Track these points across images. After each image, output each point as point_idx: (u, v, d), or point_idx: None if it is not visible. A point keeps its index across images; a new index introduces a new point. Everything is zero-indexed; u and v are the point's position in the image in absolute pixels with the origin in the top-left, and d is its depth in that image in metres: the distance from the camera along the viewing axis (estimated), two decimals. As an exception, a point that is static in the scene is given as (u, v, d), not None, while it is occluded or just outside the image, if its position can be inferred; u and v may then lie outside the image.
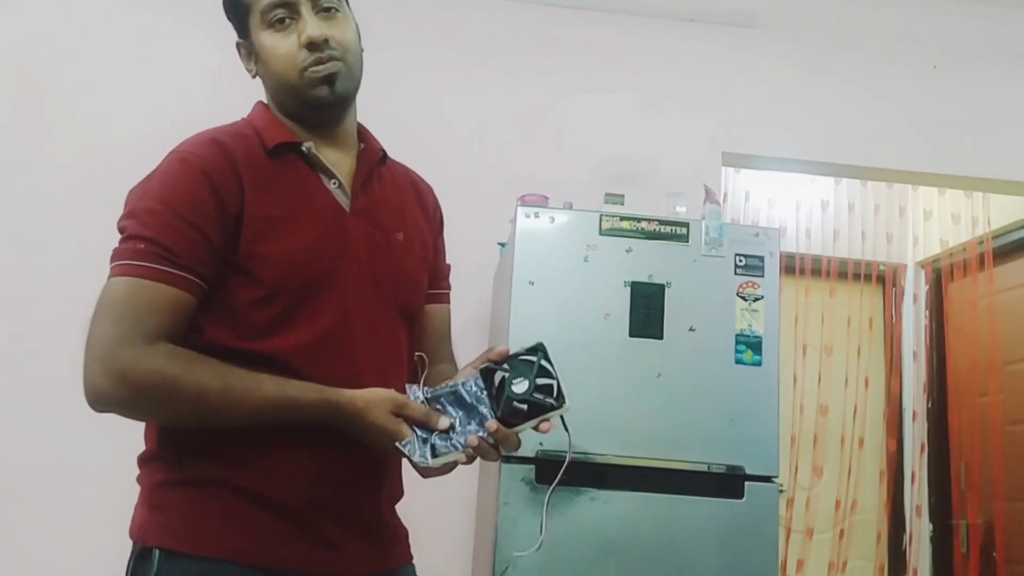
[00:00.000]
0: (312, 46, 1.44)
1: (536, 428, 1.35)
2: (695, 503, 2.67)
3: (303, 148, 1.47)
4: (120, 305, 1.30)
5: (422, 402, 1.36)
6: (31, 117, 3.44)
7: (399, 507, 1.58)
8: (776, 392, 2.79)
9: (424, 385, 1.40)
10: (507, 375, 1.36)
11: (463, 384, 1.38)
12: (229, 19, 1.55)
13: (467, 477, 3.27)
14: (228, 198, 1.37)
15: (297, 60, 1.45)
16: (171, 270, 1.32)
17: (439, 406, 1.36)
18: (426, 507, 3.12)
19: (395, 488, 1.55)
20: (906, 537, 4.81)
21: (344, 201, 1.48)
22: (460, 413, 1.36)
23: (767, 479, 2.71)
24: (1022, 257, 4.42)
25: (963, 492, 4.54)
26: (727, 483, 2.69)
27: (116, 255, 1.34)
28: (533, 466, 2.61)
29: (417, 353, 1.52)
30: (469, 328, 3.27)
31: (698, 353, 2.75)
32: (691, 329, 2.76)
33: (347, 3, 1.56)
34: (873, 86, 3.86)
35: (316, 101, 1.47)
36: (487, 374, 1.38)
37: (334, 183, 1.49)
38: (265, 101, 1.57)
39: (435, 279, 1.67)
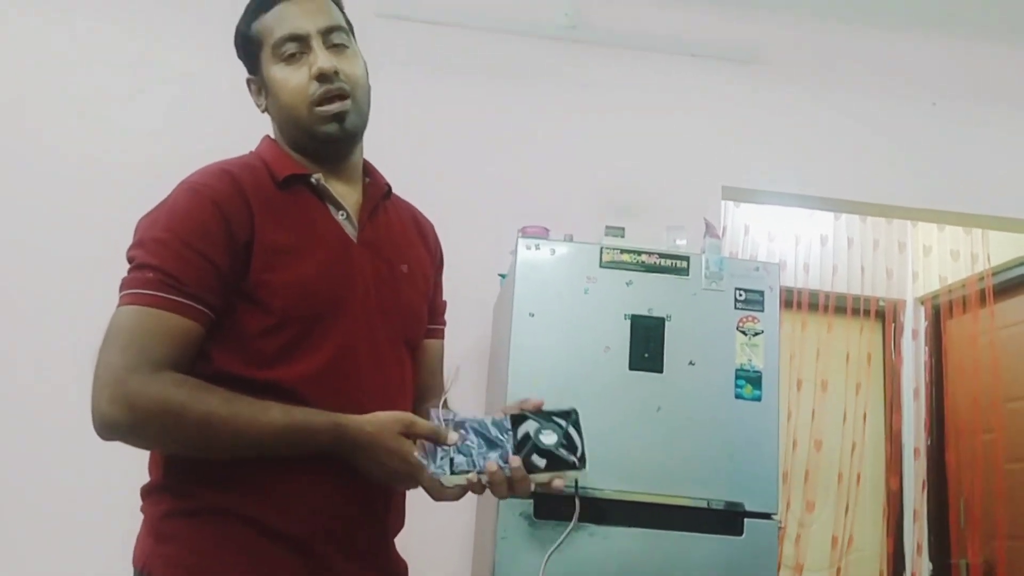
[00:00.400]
0: (322, 78, 1.46)
1: (549, 483, 1.37)
2: (695, 539, 2.64)
3: (312, 180, 1.49)
4: (127, 334, 1.30)
5: (445, 423, 1.37)
6: (25, 140, 3.44)
7: (397, 540, 1.56)
8: (776, 428, 2.77)
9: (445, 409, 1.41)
10: (537, 426, 1.38)
11: (491, 420, 1.39)
12: (239, 56, 1.57)
13: (465, 510, 3.25)
14: (238, 227, 1.37)
15: (308, 92, 1.47)
16: (179, 299, 1.32)
17: (462, 431, 1.37)
18: (424, 541, 3.10)
19: (398, 520, 1.55)
20: None
21: (351, 232, 1.50)
22: (481, 442, 1.37)
23: (767, 516, 2.68)
24: (1021, 294, 4.42)
25: (963, 530, 4.51)
26: (726, 520, 2.66)
27: (125, 284, 1.35)
28: (532, 501, 2.59)
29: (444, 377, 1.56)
30: (469, 359, 3.26)
31: (698, 387, 2.74)
32: (691, 363, 2.75)
33: (355, 41, 1.57)
34: (872, 122, 3.88)
35: (325, 136, 1.48)
36: (516, 421, 1.39)
37: (342, 214, 1.50)
38: (272, 136, 1.57)
39: (433, 314, 1.69)
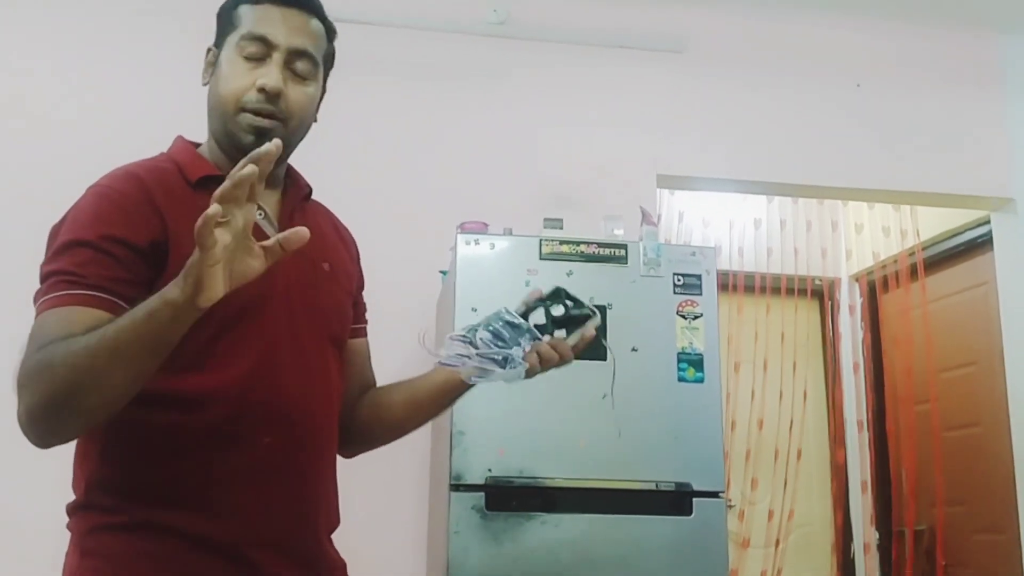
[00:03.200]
0: (262, 92, 1.44)
1: (577, 344, 1.51)
2: (645, 522, 2.69)
3: None
4: (31, 338, 1.28)
5: (472, 329, 1.45)
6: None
7: (343, 540, 1.57)
8: (720, 408, 2.83)
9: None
10: (541, 307, 1.51)
11: (503, 312, 1.48)
12: (217, 25, 1.54)
13: (417, 506, 3.26)
14: (141, 226, 1.35)
15: (243, 96, 1.44)
16: (77, 291, 1.29)
17: (490, 330, 1.45)
18: (377, 538, 3.13)
19: (332, 518, 1.54)
20: (853, 546, 4.88)
21: (271, 231, 1.47)
22: (510, 333, 1.46)
23: (714, 494, 2.74)
24: (952, 267, 4.55)
25: (904, 499, 4.63)
26: (675, 500, 2.72)
27: (35, 298, 1.33)
28: (483, 493, 2.62)
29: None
30: (414, 356, 3.25)
31: (641, 373, 2.78)
32: (633, 349, 2.79)
33: (326, 73, 1.57)
34: (799, 106, 3.96)
35: (239, 144, 1.44)
36: (527, 314, 1.50)
37: (260, 214, 1.47)
38: (187, 138, 1.56)
39: (356, 314, 1.68)
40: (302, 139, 1.54)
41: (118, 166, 1.46)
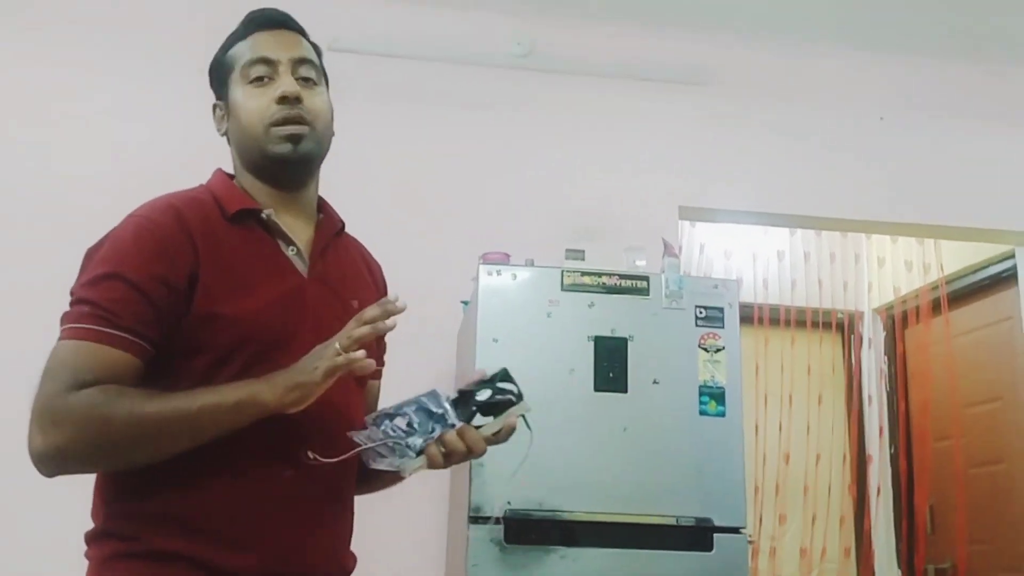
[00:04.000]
0: (284, 100, 1.48)
1: (500, 431, 1.42)
2: (665, 557, 2.66)
3: (263, 215, 1.49)
4: (59, 365, 1.31)
5: (385, 415, 1.39)
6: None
7: (365, 571, 1.57)
8: (741, 442, 2.80)
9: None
10: (471, 391, 1.43)
11: (425, 396, 1.41)
12: (211, 84, 1.59)
13: (435, 539, 3.24)
14: (179, 262, 1.38)
15: (267, 114, 1.48)
16: (110, 331, 1.32)
17: (410, 411, 1.39)
18: (395, 571, 3.10)
19: (346, 560, 1.54)
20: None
21: (302, 267, 1.50)
22: (424, 419, 1.39)
23: (735, 530, 2.71)
24: (976, 301, 4.51)
25: (930, 536, 4.56)
26: (696, 536, 2.69)
27: (63, 319, 1.36)
28: (502, 526, 2.60)
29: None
30: (436, 387, 3.25)
31: (662, 406, 2.77)
32: (655, 382, 2.77)
33: (327, 84, 1.60)
34: (822, 138, 3.95)
35: (278, 157, 1.49)
36: (462, 397, 1.43)
37: (292, 249, 1.50)
38: (226, 170, 1.59)
39: (376, 356, 1.69)
40: (328, 149, 1.58)
41: (158, 196, 1.48)
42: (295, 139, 1.48)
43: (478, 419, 1.41)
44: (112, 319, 1.33)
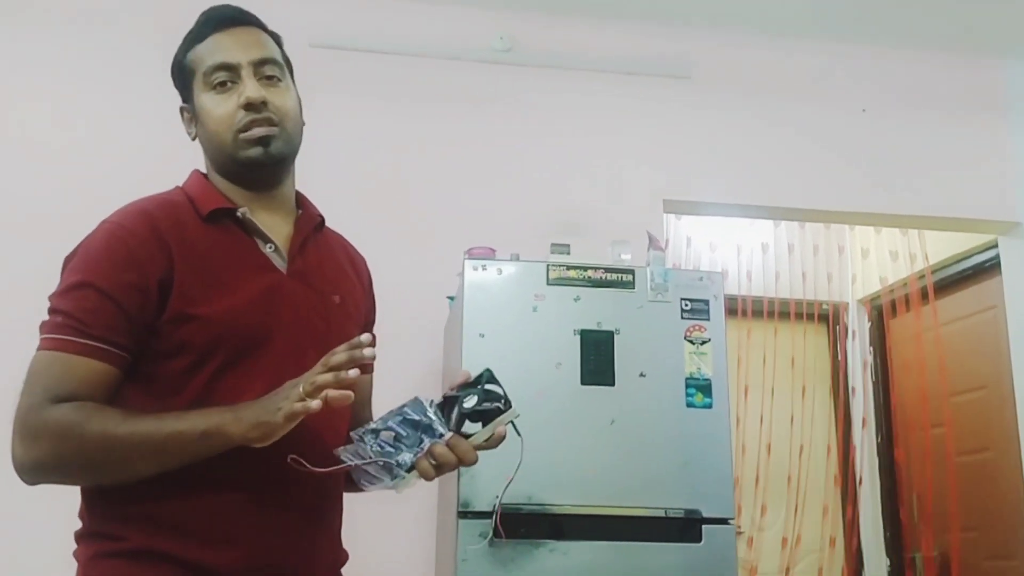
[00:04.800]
0: (249, 107, 1.47)
1: (490, 439, 1.40)
2: (654, 549, 2.67)
3: (238, 213, 1.49)
4: (36, 376, 1.34)
5: (371, 431, 1.37)
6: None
7: (351, 570, 1.57)
8: (728, 433, 2.82)
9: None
10: (457, 397, 1.41)
11: (408, 406, 1.39)
12: (176, 85, 1.58)
13: (425, 533, 3.24)
14: (151, 267, 1.38)
15: (234, 121, 1.48)
16: (85, 341, 1.34)
17: (396, 423, 1.37)
18: (385, 566, 3.10)
19: (337, 553, 1.54)
20: (865, 573, 4.84)
21: (280, 264, 1.50)
22: (411, 432, 1.37)
23: (724, 521, 2.72)
24: (960, 291, 4.53)
25: (916, 524, 4.59)
26: (685, 527, 2.70)
27: (40, 328, 1.38)
28: (491, 521, 2.60)
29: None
30: (423, 383, 3.26)
31: (649, 398, 2.77)
32: (641, 374, 2.78)
33: (291, 77, 1.59)
34: (806, 130, 3.97)
35: (249, 161, 1.48)
36: (447, 402, 1.41)
37: (270, 247, 1.50)
38: (202, 170, 1.59)
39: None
40: (300, 142, 1.57)
41: (132, 201, 1.49)
42: (265, 141, 1.48)
43: (467, 426, 1.39)
44: (85, 329, 1.34)
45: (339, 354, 1.29)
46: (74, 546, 1.42)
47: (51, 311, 1.38)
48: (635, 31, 3.93)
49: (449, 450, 1.36)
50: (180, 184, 1.57)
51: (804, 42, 4.04)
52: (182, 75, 1.55)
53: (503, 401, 1.41)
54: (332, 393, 1.26)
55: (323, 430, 1.42)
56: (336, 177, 2.91)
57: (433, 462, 1.35)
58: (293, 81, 1.59)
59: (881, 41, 4.04)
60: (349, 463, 1.35)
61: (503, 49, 3.79)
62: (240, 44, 1.51)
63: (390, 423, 1.37)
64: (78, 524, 1.43)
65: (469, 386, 1.42)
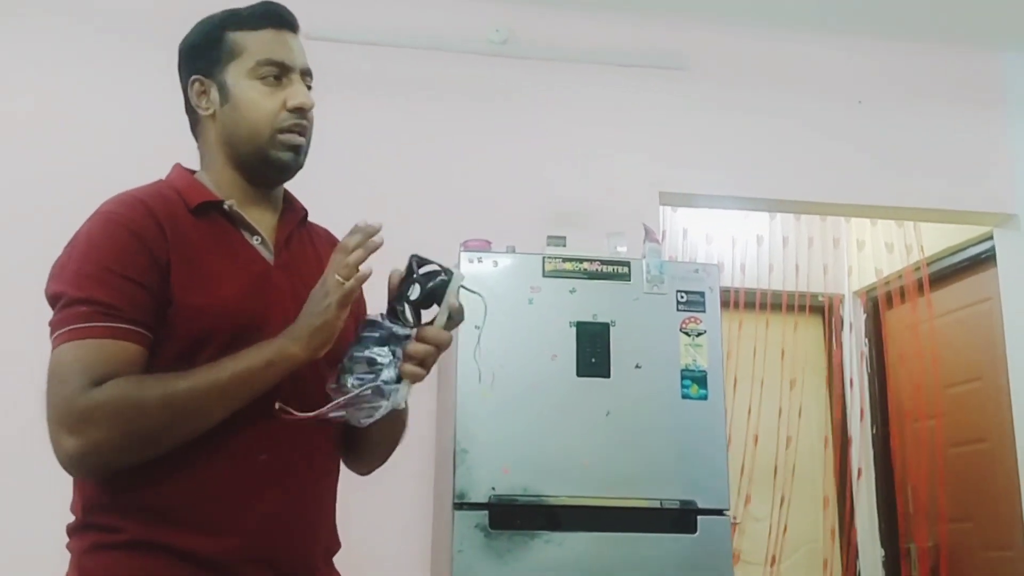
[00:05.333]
0: (298, 112, 1.50)
1: (451, 314, 1.41)
2: (650, 540, 2.68)
3: (225, 206, 1.50)
4: (67, 367, 1.31)
5: (344, 372, 1.38)
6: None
7: (347, 560, 1.57)
8: (724, 425, 2.83)
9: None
10: (401, 295, 1.40)
11: (366, 329, 1.39)
12: (193, 54, 1.56)
13: (421, 525, 3.25)
14: (157, 251, 1.39)
15: (277, 119, 1.50)
16: (116, 324, 1.33)
17: (364, 351, 1.38)
18: (380, 557, 3.11)
19: (330, 540, 1.55)
20: (859, 564, 4.85)
21: (267, 256, 1.51)
22: (383, 349, 1.37)
23: (719, 512, 2.73)
24: (955, 283, 4.54)
25: (911, 516, 4.61)
26: (680, 518, 2.71)
27: (56, 324, 1.35)
28: (487, 512, 2.61)
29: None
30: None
31: (645, 390, 2.78)
32: (637, 366, 2.79)
33: None
34: (802, 122, 3.97)
35: (279, 163, 1.51)
36: (392, 312, 1.40)
37: (256, 239, 1.51)
38: (184, 163, 1.59)
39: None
40: None
41: (120, 192, 1.48)
42: (297, 150, 1.51)
43: (426, 316, 1.39)
44: (112, 312, 1.33)
45: (352, 237, 1.34)
46: (66, 539, 1.42)
47: (68, 303, 1.35)
48: (632, 23, 3.92)
49: (422, 343, 1.38)
50: (161, 179, 1.57)
51: (800, 34, 4.04)
52: (214, 49, 1.53)
53: (443, 272, 1.40)
54: (364, 275, 1.33)
55: (312, 430, 1.43)
56: (331, 169, 2.90)
57: (415, 362, 1.38)
58: None
59: (877, 33, 4.04)
60: (338, 401, 1.36)
61: (500, 41, 3.79)
62: (295, 49, 1.54)
63: (355, 354, 1.38)
64: (70, 517, 1.42)
65: (405, 282, 1.41)
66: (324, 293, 1.34)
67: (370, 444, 1.62)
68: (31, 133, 3.47)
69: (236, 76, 1.52)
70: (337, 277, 1.33)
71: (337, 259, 1.34)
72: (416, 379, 1.38)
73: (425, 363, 1.39)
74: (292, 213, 1.61)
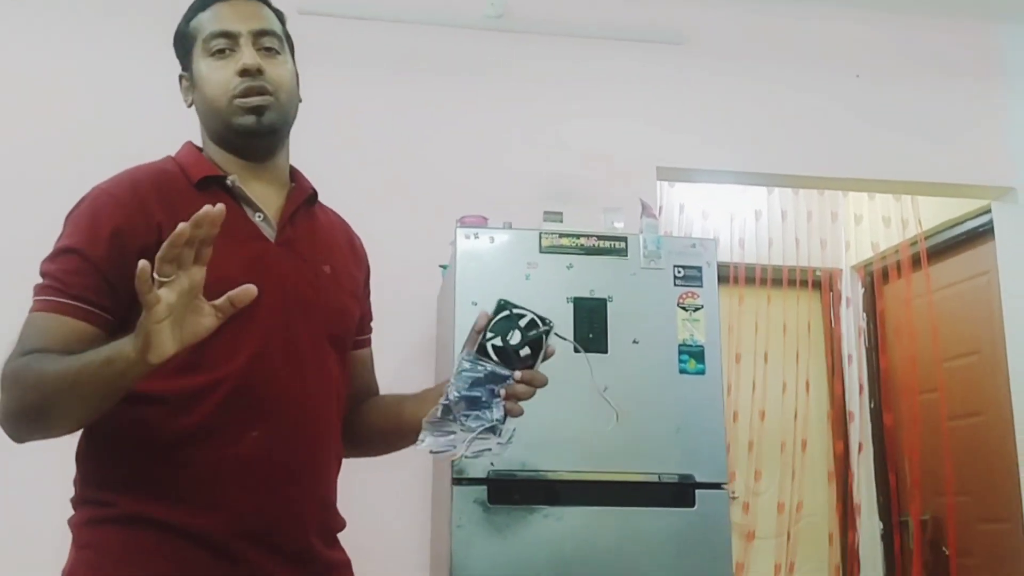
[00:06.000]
0: (245, 73, 1.49)
1: (545, 358, 1.45)
2: (648, 514, 2.69)
3: (228, 181, 1.50)
4: (20, 336, 1.36)
5: (443, 409, 1.40)
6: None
7: (346, 537, 1.57)
8: (721, 399, 2.83)
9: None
10: (494, 336, 1.43)
11: (466, 368, 1.42)
12: (177, 53, 1.60)
13: (419, 502, 3.26)
14: (136, 233, 1.39)
15: (230, 87, 1.49)
16: (61, 300, 1.36)
17: (465, 392, 1.40)
18: (380, 533, 3.12)
19: (329, 517, 1.54)
20: (857, 537, 4.88)
21: (269, 233, 1.51)
22: (483, 390, 1.41)
23: (717, 486, 2.74)
24: (953, 256, 4.54)
25: (908, 489, 4.62)
26: (678, 492, 2.72)
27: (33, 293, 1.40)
28: (485, 487, 2.62)
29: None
30: (415, 351, 3.27)
31: (643, 365, 2.78)
32: (635, 341, 2.79)
33: (291, 53, 1.61)
34: (799, 96, 3.95)
35: (242, 128, 1.50)
36: (482, 351, 1.43)
37: (259, 216, 1.51)
38: (196, 141, 1.60)
39: (361, 324, 1.70)
40: (295, 117, 1.59)
41: (124, 169, 1.51)
42: (259, 110, 1.49)
43: (525, 355, 1.42)
44: (63, 289, 1.36)
45: (182, 225, 1.19)
46: (71, 512, 1.44)
47: (40, 276, 1.40)
48: (627, -3, 3.90)
49: (527, 385, 1.41)
50: (172, 155, 1.58)
51: (797, 7, 4.01)
52: (183, 43, 1.57)
53: (542, 323, 1.44)
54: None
55: (309, 406, 1.45)
56: (326, 146, 2.89)
57: (516, 401, 1.41)
58: (293, 59, 1.61)
59: (875, 5, 4.02)
60: (451, 449, 1.39)
61: (495, 15, 3.76)
62: (241, 14, 1.53)
63: (454, 394, 1.40)
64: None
65: (496, 322, 1.44)
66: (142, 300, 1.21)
67: (372, 445, 1.67)
68: (43, 109, 3.46)
69: (197, 60, 1.54)
70: (157, 277, 1.18)
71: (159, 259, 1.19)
72: (517, 415, 1.41)
73: (520, 401, 1.42)
74: (299, 191, 1.60)
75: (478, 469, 2.62)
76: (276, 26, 1.57)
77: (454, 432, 1.39)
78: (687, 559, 2.67)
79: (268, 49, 1.53)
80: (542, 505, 2.64)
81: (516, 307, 1.44)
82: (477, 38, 3.78)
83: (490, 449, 1.39)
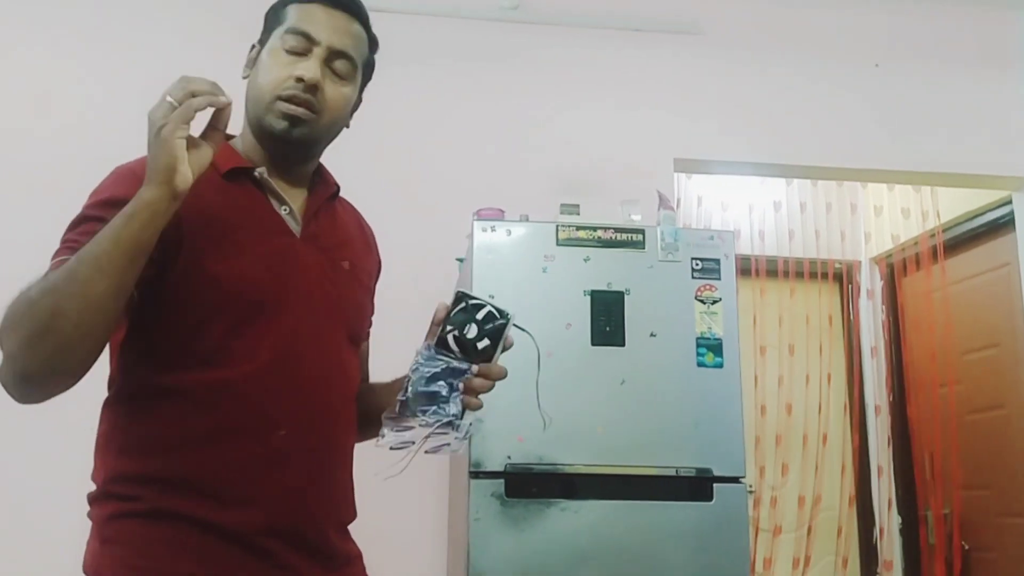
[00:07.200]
0: (300, 82, 1.46)
1: (504, 349, 1.43)
2: (665, 508, 2.68)
3: (256, 173, 1.49)
4: None
5: (400, 404, 1.39)
6: None
7: (364, 530, 1.58)
8: (739, 393, 2.81)
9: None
10: (453, 329, 1.42)
11: (421, 359, 1.41)
12: (264, 22, 1.58)
13: (436, 495, 3.26)
14: None
15: (281, 85, 1.47)
16: (69, 256, 1.29)
17: (424, 387, 1.39)
18: (397, 526, 3.13)
19: (347, 510, 1.55)
20: (875, 531, 4.85)
21: (294, 227, 1.51)
22: (443, 382, 1.39)
23: (735, 480, 2.72)
24: (973, 248, 4.50)
25: (930, 482, 4.59)
26: (696, 486, 2.70)
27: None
28: (503, 480, 2.61)
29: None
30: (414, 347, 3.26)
31: (660, 358, 2.77)
32: (652, 334, 2.77)
33: (365, 81, 1.62)
34: (818, 87, 3.93)
35: (271, 129, 1.48)
36: (442, 344, 1.42)
37: (285, 209, 1.51)
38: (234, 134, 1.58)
39: (365, 317, 1.70)
40: (332, 140, 1.57)
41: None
42: (295, 121, 1.46)
43: (483, 347, 1.41)
44: (73, 246, 1.30)
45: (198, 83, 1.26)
46: (87, 508, 1.43)
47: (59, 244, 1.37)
48: (644, -13, 3.88)
49: (484, 378, 1.39)
50: None
51: (815, -4, 3.99)
52: (271, 19, 1.55)
53: (500, 315, 1.43)
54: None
55: (332, 403, 1.45)
56: (342, 138, 2.88)
57: (475, 395, 1.39)
58: (364, 86, 1.61)
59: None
60: (410, 445, 1.38)
61: (510, 7, 3.75)
62: (330, 26, 1.51)
63: (413, 390, 1.39)
64: (91, 486, 1.43)
65: (455, 314, 1.42)
66: (153, 120, 1.25)
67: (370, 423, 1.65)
68: (58, 96, 3.47)
69: (271, 43, 1.52)
70: (169, 99, 1.24)
71: (174, 84, 1.25)
72: (476, 409, 1.40)
73: (479, 395, 1.41)
74: (324, 187, 1.60)
75: (495, 462, 2.62)
76: (357, 53, 1.56)
77: (412, 427, 1.38)
78: (705, 553, 2.67)
79: (336, 71, 1.51)
80: (559, 499, 2.63)
81: (473, 298, 1.43)
82: (493, 30, 3.77)
83: (448, 444, 1.38)
